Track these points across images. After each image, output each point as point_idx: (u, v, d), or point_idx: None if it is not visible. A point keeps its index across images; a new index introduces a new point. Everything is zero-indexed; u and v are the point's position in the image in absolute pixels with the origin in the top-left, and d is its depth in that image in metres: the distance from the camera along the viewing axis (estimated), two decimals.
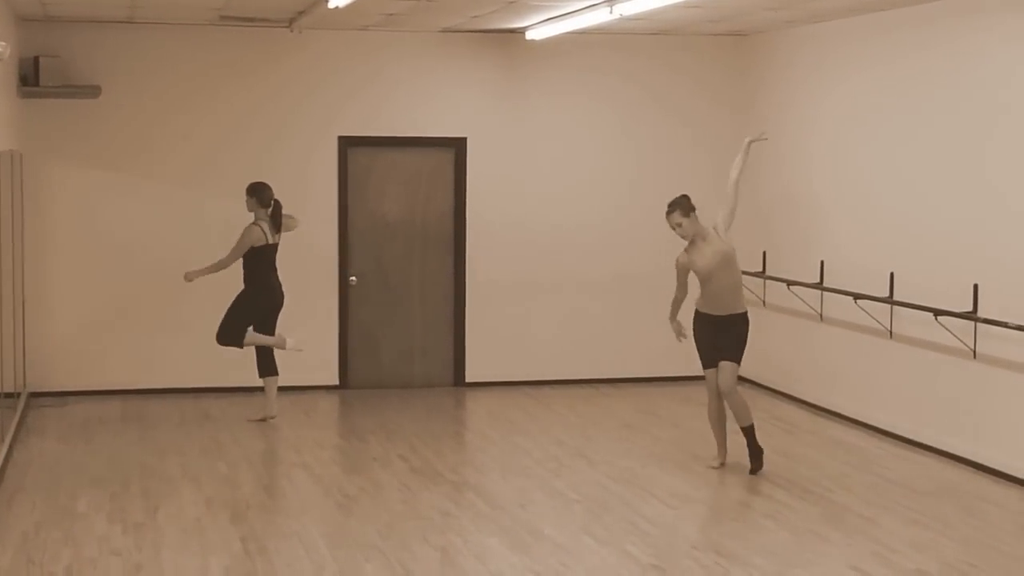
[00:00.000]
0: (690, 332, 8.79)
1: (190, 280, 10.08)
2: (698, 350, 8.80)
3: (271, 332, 10.18)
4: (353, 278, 11.65)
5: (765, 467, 8.73)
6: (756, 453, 8.71)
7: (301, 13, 10.20)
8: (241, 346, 10.13)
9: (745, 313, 8.73)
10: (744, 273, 11.29)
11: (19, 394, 10.40)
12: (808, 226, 10.96)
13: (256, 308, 10.09)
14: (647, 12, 9.58)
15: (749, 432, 8.70)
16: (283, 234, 10.26)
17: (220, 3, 9.74)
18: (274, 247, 10.14)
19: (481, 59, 11.65)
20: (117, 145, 11.16)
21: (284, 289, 10.24)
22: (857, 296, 9.97)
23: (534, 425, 10.32)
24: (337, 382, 11.67)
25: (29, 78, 10.69)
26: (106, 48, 11.04)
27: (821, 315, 10.77)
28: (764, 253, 11.55)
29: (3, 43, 8.15)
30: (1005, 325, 8.42)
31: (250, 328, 10.10)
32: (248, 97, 11.35)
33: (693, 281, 8.72)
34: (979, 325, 8.74)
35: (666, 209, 8.68)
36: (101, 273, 11.19)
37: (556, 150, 11.88)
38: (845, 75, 10.46)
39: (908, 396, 9.65)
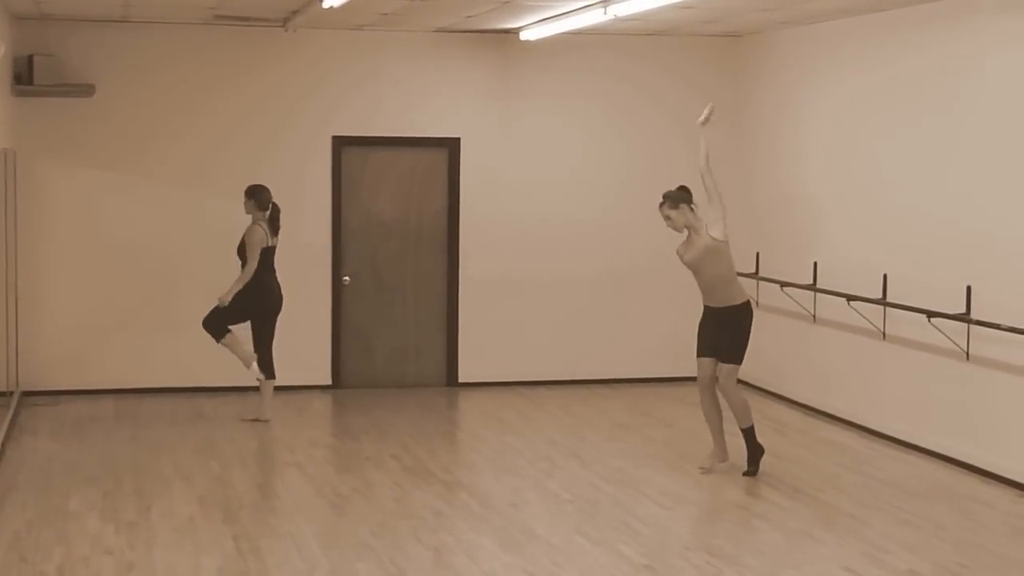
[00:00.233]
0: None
1: (225, 303, 10.01)
2: (697, 338, 8.79)
3: (271, 334, 10.16)
4: (346, 278, 11.65)
5: (759, 469, 8.73)
6: (754, 456, 8.61)
7: (295, 12, 10.20)
8: (217, 341, 10.12)
9: (743, 304, 8.59)
10: (738, 275, 11.35)
11: (12, 393, 10.40)
12: (802, 227, 10.97)
13: (252, 309, 10.07)
14: (641, 13, 9.59)
15: (748, 434, 8.64)
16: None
17: (214, 2, 9.74)
18: (272, 249, 10.13)
19: (475, 59, 11.65)
20: (111, 144, 11.15)
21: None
22: (850, 297, 9.98)
23: (527, 425, 10.32)
24: (330, 382, 11.67)
25: (23, 77, 10.69)
26: (100, 47, 11.03)
27: (814, 316, 10.78)
28: (758, 254, 11.56)
29: None
30: (998, 327, 8.43)
31: (233, 330, 10.09)
32: (242, 97, 11.35)
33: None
34: (972, 327, 8.76)
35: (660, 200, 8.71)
36: (95, 272, 11.18)
37: (550, 150, 11.89)
38: (839, 76, 10.47)
39: (901, 397, 9.67)
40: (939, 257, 9.15)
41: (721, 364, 8.63)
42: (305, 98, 11.45)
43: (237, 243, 10.17)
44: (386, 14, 10.28)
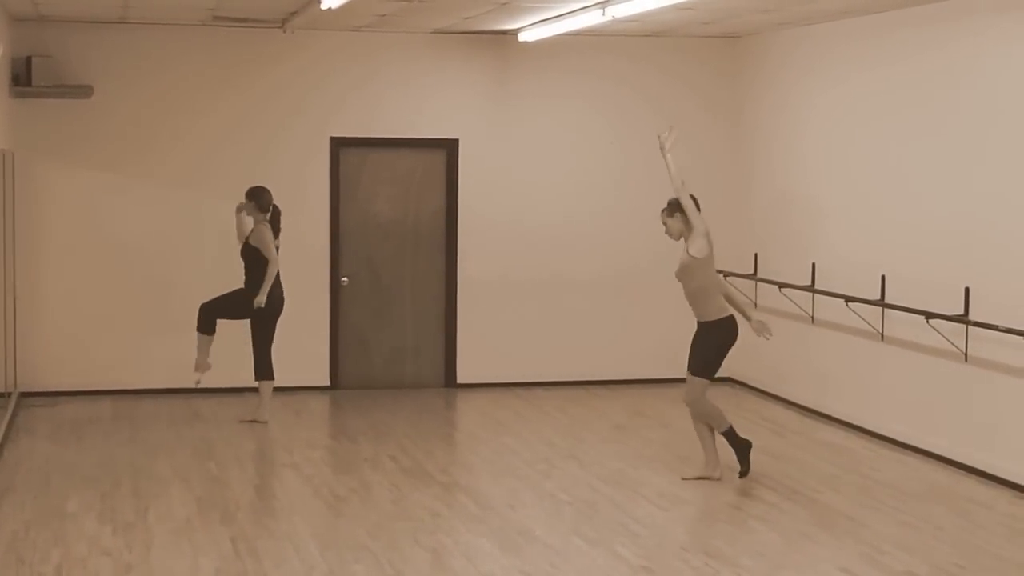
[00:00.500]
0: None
1: (262, 303, 10.00)
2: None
3: (270, 335, 10.14)
4: (345, 279, 11.65)
5: (755, 469, 8.72)
6: (741, 455, 8.48)
7: (293, 14, 10.20)
8: (198, 329, 10.13)
9: (718, 321, 8.41)
10: (735, 275, 11.37)
11: (10, 394, 10.40)
12: (800, 228, 10.98)
13: (253, 310, 10.05)
14: (640, 14, 9.59)
15: (728, 436, 8.52)
16: None
17: (213, 3, 9.74)
18: (275, 250, 10.13)
19: (474, 60, 11.66)
20: (109, 145, 11.15)
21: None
22: (849, 299, 9.98)
23: (525, 426, 10.32)
24: (328, 383, 11.66)
25: (21, 78, 10.69)
26: (98, 48, 11.03)
27: (812, 317, 10.78)
28: (756, 255, 11.57)
29: None
30: (996, 328, 8.43)
31: (211, 328, 10.12)
32: (240, 98, 11.35)
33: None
34: (970, 328, 8.76)
35: None
36: (93, 273, 11.18)
37: (548, 152, 11.89)
38: (837, 77, 10.47)
39: (899, 399, 9.67)
40: (938, 258, 9.15)
41: (688, 375, 8.60)
42: (303, 99, 11.45)
43: (239, 245, 10.19)
44: (384, 15, 10.28)
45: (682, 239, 8.49)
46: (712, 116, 12.04)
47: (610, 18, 9.25)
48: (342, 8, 9.10)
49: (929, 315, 9.00)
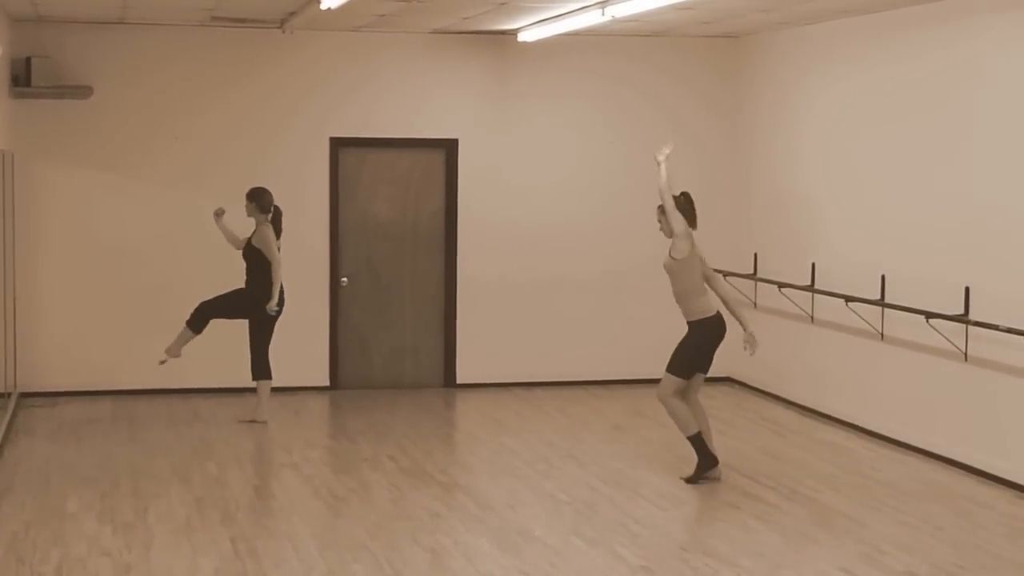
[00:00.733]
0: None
1: (274, 309, 10.03)
2: None
3: (268, 336, 10.14)
4: (344, 279, 11.64)
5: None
6: (700, 465, 8.44)
7: (292, 14, 10.20)
8: (187, 322, 10.15)
9: (698, 321, 8.42)
10: (735, 275, 11.37)
11: (10, 394, 10.40)
12: (799, 228, 10.97)
13: (254, 311, 10.06)
14: (639, 14, 9.59)
15: (692, 442, 8.49)
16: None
17: (211, 4, 9.74)
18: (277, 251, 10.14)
19: (473, 60, 11.66)
20: (109, 146, 11.15)
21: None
22: (848, 298, 9.98)
23: (524, 426, 10.32)
24: (327, 383, 11.66)
25: (20, 78, 10.69)
26: (98, 49, 11.03)
27: (812, 317, 10.78)
28: (755, 255, 11.57)
29: None
30: (996, 328, 8.42)
31: (200, 327, 10.14)
32: (239, 98, 11.35)
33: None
34: (970, 328, 8.76)
35: None
36: (92, 273, 11.18)
37: (547, 152, 11.89)
38: (837, 77, 10.47)
39: (899, 398, 9.66)
40: (937, 258, 9.15)
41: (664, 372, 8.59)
42: (303, 99, 11.45)
43: (242, 245, 10.20)
44: (383, 16, 10.27)
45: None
46: (712, 116, 12.04)
47: (610, 18, 9.24)
48: (341, 8, 9.10)
49: (929, 315, 9.00)
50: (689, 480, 8.46)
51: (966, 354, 8.85)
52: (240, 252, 10.22)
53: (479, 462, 9.33)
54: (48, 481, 8.49)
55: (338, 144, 11.55)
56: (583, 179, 11.97)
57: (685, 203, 8.52)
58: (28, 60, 10.67)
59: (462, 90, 11.71)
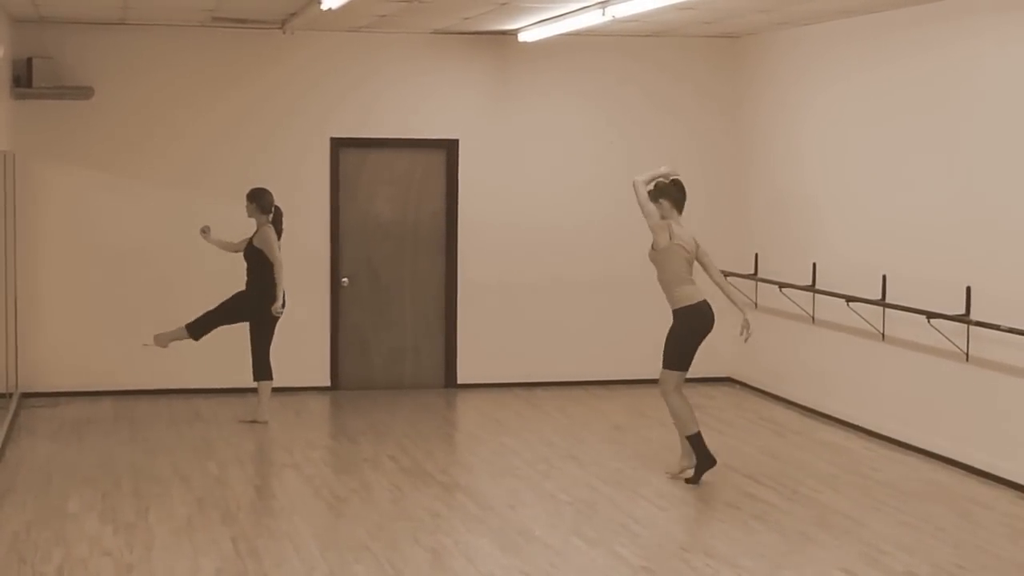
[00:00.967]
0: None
1: (280, 312, 10.06)
2: None
3: (269, 337, 10.14)
4: (345, 279, 11.65)
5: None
6: (700, 467, 8.44)
7: (293, 15, 10.20)
8: (187, 324, 10.16)
9: (679, 310, 8.47)
10: (735, 275, 11.38)
11: (11, 394, 10.41)
12: (800, 228, 10.98)
13: (255, 312, 10.06)
14: (640, 14, 9.59)
15: (692, 442, 8.47)
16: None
17: (212, 4, 9.74)
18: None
19: (473, 61, 11.66)
20: (110, 146, 11.16)
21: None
22: (849, 299, 9.98)
23: (524, 426, 10.32)
24: (328, 383, 11.67)
25: (22, 79, 10.70)
26: (99, 49, 11.04)
27: (813, 317, 10.78)
28: (756, 255, 11.57)
29: None
30: (997, 328, 8.42)
31: (199, 335, 10.15)
32: (240, 98, 11.35)
33: (695, 269, 8.68)
34: (972, 328, 8.75)
35: None
36: (93, 274, 11.19)
37: (548, 152, 11.89)
38: (837, 77, 10.47)
39: (900, 399, 9.66)
40: (939, 258, 9.15)
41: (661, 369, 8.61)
42: (303, 100, 11.45)
43: (241, 240, 10.21)
44: (384, 16, 10.28)
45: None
46: (712, 116, 12.04)
47: (610, 18, 9.25)
48: (342, 9, 9.10)
49: (930, 315, 9.00)
50: (690, 480, 8.47)
51: (967, 354, 8.85)
52: (240, 253, 10.22)
53: (480, 462, 9.34)
54: (49, 481, 8.49)
55: (339, 144, 11.55)
56: (584, 179, 11.97)
57: (675, 191, 8.59)
58: (29, 61, 10.67)
59: (463, 90, 11.72)
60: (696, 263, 8.61)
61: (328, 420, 10.91)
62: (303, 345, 11.39)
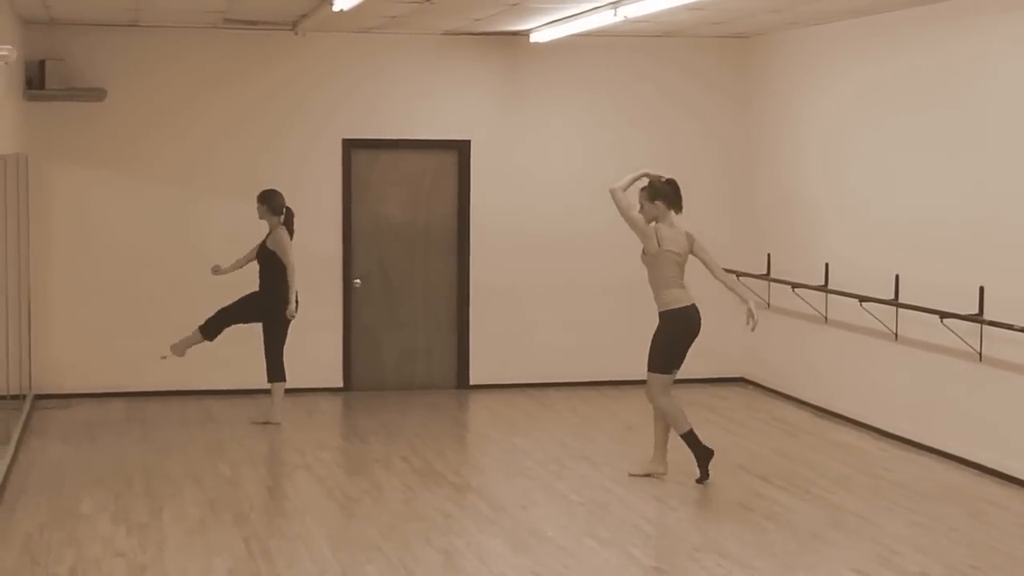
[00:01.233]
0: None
1: (294, 315, 10.08)
2: None
3: (283, 338, 10.15)
4: (357, 281, 11.65)
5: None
6: (701, 461, 8.45)
7: (304, 16, 10.22)
8: (201, 325, 10.18)
9: (664, 312, 8.53)
10: (748, 275, 11.36)
11: (24, 396, 10.43)
12: (812, 228, 10.96)
13: (268, 313, 10.07)
14: (651, 14, 9.58)
15: (687, 440, 8.48)
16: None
17: (224, 6, 9.76)
18: None
19: (484, 61, 11.66)
20: (122, 148, 11.18)
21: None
22: (862, 298, 9.96)
23: (536, 427, 10.32)
24: (340, 384, 11.67)
25: (34, 81, 10.73)
26: (110, 51, 11.06)
27: (826, 317, 10.76)
28: (768, 255, 11.55)
29: (8, 47, 8.15)
30: (1011, 327, 8.40)
31: (213, 335, 10.17)
32: (252, 100, 11.37)
33: (694, 264, 8.69)
34: (985, 327, 8.73)
35: None
36: (105, 275, 11.21)
37: (559, 153, 11.88)
38: (848, 76, 10.45)
39: (913, 399, 9.64)
40: (952, 258, 9.12)
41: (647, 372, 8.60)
42: (314, 101, 11.46)
43: (251, 248, 10.21)
44: (395, 17, 10.28)
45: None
46: (724, 116, 12.02)
47: (622, 18, 9.24)
48: (353, 10, 9.10)
49: (943, 315, 8.97)
50: (699, 480, 8.45)
51: (981, 354, 8.82)
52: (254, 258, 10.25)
53: (491, 463, 9.34)
54: (62, 482, 8.51)
55: (350, 145, 11.56)
56: (595, 181, 11.92)
57: (671, 191, 8.55)
58: (42, 63, 10.70)
59: (474, 91, 11.72)
60: (696, 260, 8.58)
61: (340, 421, 10.92)
62: (315, 346, 11.40)
